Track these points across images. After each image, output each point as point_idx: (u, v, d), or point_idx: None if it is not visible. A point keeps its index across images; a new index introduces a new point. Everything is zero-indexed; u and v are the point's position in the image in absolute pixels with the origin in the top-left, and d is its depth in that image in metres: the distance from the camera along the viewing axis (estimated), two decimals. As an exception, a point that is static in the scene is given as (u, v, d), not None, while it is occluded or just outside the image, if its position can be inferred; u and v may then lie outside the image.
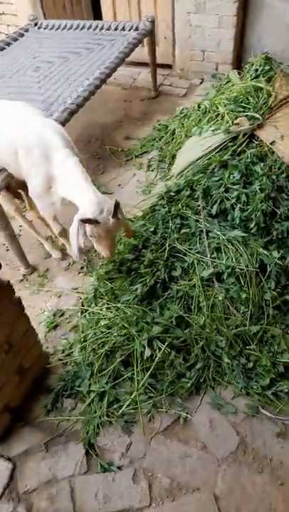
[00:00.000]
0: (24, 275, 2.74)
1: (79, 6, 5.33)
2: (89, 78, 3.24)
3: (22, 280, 2.73)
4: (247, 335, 2.01)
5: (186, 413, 1.92)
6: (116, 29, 3.99)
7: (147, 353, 1.91)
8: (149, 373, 1.93)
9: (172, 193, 2.44)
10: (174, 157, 3.22)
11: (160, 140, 3.62)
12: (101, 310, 2.18)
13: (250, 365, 1.99)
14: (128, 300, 2.09)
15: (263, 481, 1.73)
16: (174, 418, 1.92)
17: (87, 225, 1.93)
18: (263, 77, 3.01)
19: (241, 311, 2.04)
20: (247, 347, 2.02)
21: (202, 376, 2.00)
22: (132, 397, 1.92)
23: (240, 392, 1.95)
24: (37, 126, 2.13)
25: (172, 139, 3.46)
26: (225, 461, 1.80)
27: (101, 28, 4.03)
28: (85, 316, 2.27)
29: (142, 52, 4.22)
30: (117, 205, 1.91)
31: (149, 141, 3.72)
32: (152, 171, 3.40)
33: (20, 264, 2.70)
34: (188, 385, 1.95)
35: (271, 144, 2.59)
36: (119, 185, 3.39)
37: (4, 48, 3.94)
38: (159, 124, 3.88)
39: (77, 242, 1.97)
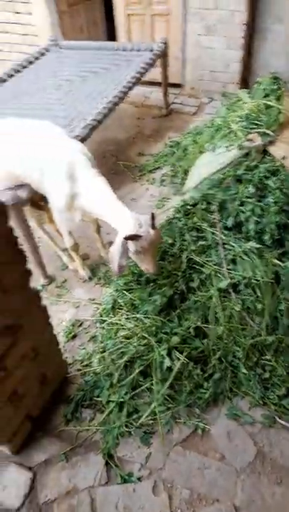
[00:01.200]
0: (43, 285, 2.80)
1: (95, 27, 5.53)
2: (108, 96, 3.36)
3: (40, 290, 2.79)
4: (263, 345, 2.04)
5: (205, 424, 1.94)
6: (132, 50, 4.14)
7: (167, 363, 1.94)
8: (168, 384, 1.95)
9: (188, 207, 2.51)
10: (186, 172, 3.30)
11: (172, 156, 3.71)
12: (120, 320, 2.21)
13: (267, 375, 2.01)
14: (147, 310, 2.12)
15: (282, 491, 1.74)
16: (193, 429, 1.94)
17: (129, 242, 1.98)
18: (272, 95, 3.11)
19: (257, 322, 2.07)
20: (263, 357, 2.04)
21: (219, 387, 2.01)
22: (151, 407, 1.94)
23: (256, 402, 1.96)
24: (63, 146, 2.22)
25: (185, 155, 3.55)
26: (244, 472, 1.80)
27: (117, 49, 4.18)
28: (103, 326, 2.30)
29: (154, 72, 4.36)
30: (153, 217, 1.99)
31: (161, 157, 3.81)
32: (165, 186, 3.49)
33: (39, 275, 2.76)
34: (206, 395, 1.97)
35: (282, 159, 2.66)
36: (133, 199, 3.47)
37: (27, 67, 4.10)
38: (171, 141, 3.98)
39: (120, 261, 2.01)
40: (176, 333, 2.05)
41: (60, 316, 2.57)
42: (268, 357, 2.03)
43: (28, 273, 1.61)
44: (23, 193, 2.34)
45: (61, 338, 2.39)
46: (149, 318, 2.13)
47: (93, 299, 2.62)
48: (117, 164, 3.91)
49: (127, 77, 3.60)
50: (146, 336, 2.04)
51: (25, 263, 1.57)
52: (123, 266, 2.10)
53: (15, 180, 2.40)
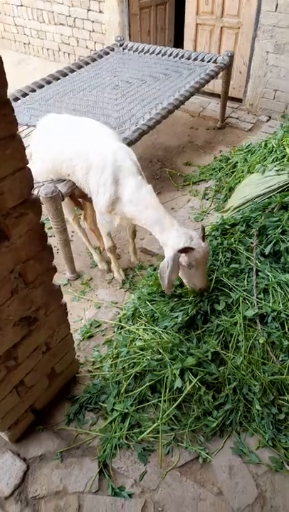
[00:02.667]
0: (69, 280, 2.81)
1: (163, 33, 5.55)
2: (163, 102, 3.34)
3: (66, 285, 2.80)
4: (283, 384, 1.93)
5: (207, 454, 1.85)
6: (196, 59, 4.11)
7: (178, 383, 1.87)
8: (175, 405, 1.89)
9: (227, 226, 2.43)
10: (231, 190, 3.22)
11: (220, 171, 3.64)
12: (138, 330, 2.17)
13: (282, 416, 1.90)
14: (166, 326, 2.07)
15: None
16: (194, 456, 1.86)
17: (182, 256, 1.96)
18: None
19: (280, 359, 1.96)
20: (281, 397, 1.93)
21: (229, 418, 1.93)
22: (155, 425, 1.88)
23: (266, 443, 1.86)
24: (112, 148, 2.20)
25: (232, 172, 3.47)
26: (240, 514, 1.71)
27: (181, 57, 4.17)
28: (120, 332, 2.27)
29: (214, 84, 4.31)
30: (204, 229, 1.96)
31: (208, 170, 3.75)
32: (207, 199, 3.41)
33: (67, 269, 2.78)
34: (214, 424, 1.89)
35: None
36: (173, 208, 3.42)
37: (89, 63, 4.16)
38: (221, 155, 3.90)
39: (170, 276, 1.98)
40: (192, 354, 1.98)
41: (80, 314, 2.57)
42: (286, 397, 1.92)
43: (53, 270, 1.60)
44: (63, 188, 2.35)
45: (77, 336, 2.38)
46: (167, 333, 2.08)
47: (116, 303, 2.60)
48: (163, 171, 3.88)
49: (186, 85, 3.57)
50: (161, 351, 1.99)
51: (52, 259, 1.57)
52: (173, 282, 2.06)
53: (59, 175, 2.42)
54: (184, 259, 1.97)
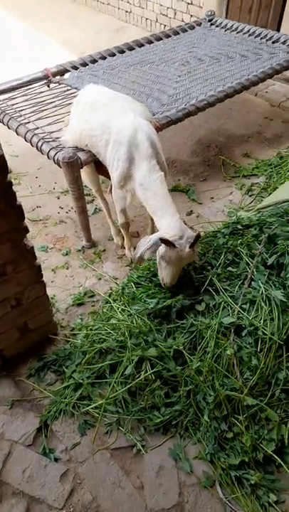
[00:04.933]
0: (83, 247, 2.89)
1: (267, 11, 5.11)
2: (225, 85, 3.14)
3: (79, 251, 2.89)
4: (240, 404, 1.79)
5: (142, 446, 1.82)
6: (284, 43, 3.74)
7: (128, 370, 1.85)
8: (124, 389, 1.88)
9: (239, 226, 2.25)
10: (276, 189, 2.95)
11: (276, 168, 3.34)
12: (117, 308, 2.17)
13: (230, 435, 1.77)
14: (137, 310, 2.03)
15: None
16: (129, 444, 1.84)
17: (162, 245, 1.94)
18: None
19: (245, 377, 1.81)
20: (235, 415, 1.80)
21: (176, 419, 1.86)
22: (101, 402, 1.89)
23: (204, 456, 1.76)
24: (134, 126, 2.16)
25: (286, 172, 3.16)
26: (152, 514, 1.67)
27: (269, 39, 3.83)
28: (105, 307, 2.29)
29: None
30: (198, 237, 1.92)
31: (264, 165, 3.47)
32: (250, 196, 3.18)
33: (83, 237, 2.85)
34: (158, 420, 1.84)
35: None
36: (212, 198, 3.27)
37: (170, 36, 4.05)
38: (286, 152, 3.57)
39: (143, 253, 2.01)
40: (156, 346, 1.93)
41: (81, 281, 2.64)
42: (240, 418, 1.78)
43: (24, 230, 1.66)
44: (83, 156, 2.38)
45: (69, 301, 2.46)
46: (141, 319, 2.04)
47: (116, 278, 2.61)
48: (217, 158, 3.69)
49: (259, 70, 3.28)
50: (126, 334, 1.97)
51: (22, 219, 1.62)
52: (143, 259, 2.06)
53: (84, 146, 2.45)
54: (161, 249, 1.95)
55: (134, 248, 2.72)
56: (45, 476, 1.76)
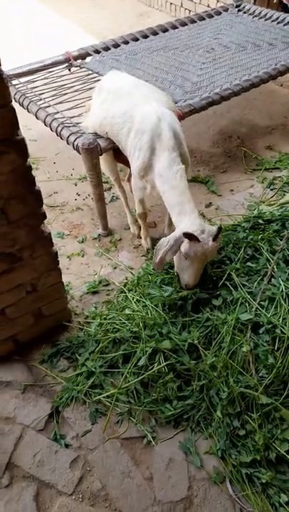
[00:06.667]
0: (99, 235, 2.87)
1: (295, -2, 4.91)
2: (251, 74, 3.04)
3: (95, 238, 2.87)
4: (254, 401, 1.76)
5: (153, 438, 1.82)
6: (314, 31, 3.60)
7: (141, 362, 1.84)
8: (137, 380, 1.87)
9: (261, 221, 2.19)
10: (299, 184, 2.88)
11: (300, 162, 3.25)
12: (133, 299, 2.15)
13: (242, 432, 1.75)
14: (152, 295, 2.01)
15: None
16: (140, 435, 1.84)
17: (185, 241, 1.89)
18: None
19: (260, 375, 1.78)
20: (248, 413, 1.77)
21: (188, 413, 1.84)
22: (113, 391, 1.89)
23: (215, 452, 1.75)
24: (158, 115, 2.11)
25: (311, 166, 3.07)
26: (161, 505, 1.66)
27: (298, 26, 3.69)
28: (119, 296, 2.28)
29: None
30: (220, 230, 1.88)
31: (288, 159, 3.37)
32: (272, 190, 3.10)
33: (100, 224, 2.82)
34: (169, 413, 1.83)
35: None
36: (232, 190, 3.20)
37: (195, 22, 3.94)
38: (311, 146, 3.47)
39: (165, 255, 1.94)
40: (170, 339, 1.90)
41: (96, 269, 2.62)
42: (254, 416, 1.75)
43: (42, 215, 1.64)
44: (103, 143, 2.34)
45: (84, 288, 2.45)
46: (156, 311, 2.02)
47: (132, 268, 2.59)
48: (239, 149, 3.60)
49: (287, 60, 3.17)
50: (141, 325, 1.95)
51: (40, 205, 1.60)
52: (164, 263, 2.01)
53: (104, 134, 2.41)
54: (184, 246, 1.89)
55: (150, 239, 2.70)
56: (56, 461, 1.77)
